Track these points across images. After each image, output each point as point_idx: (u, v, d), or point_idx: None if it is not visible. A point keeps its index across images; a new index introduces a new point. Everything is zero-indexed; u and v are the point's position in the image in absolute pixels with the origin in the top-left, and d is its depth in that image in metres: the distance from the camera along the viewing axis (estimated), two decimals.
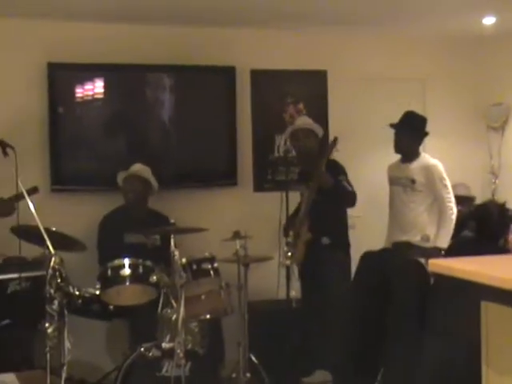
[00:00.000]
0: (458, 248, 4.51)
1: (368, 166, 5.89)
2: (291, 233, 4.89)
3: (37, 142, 5.18)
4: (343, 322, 4.35)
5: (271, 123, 5.79)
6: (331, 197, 4.79)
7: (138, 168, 5.13)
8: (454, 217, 4.93)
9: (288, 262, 4.69)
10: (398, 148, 5.10)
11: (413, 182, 5.04)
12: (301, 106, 5.83)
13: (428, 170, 5.02)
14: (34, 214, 3.98)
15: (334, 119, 5.84)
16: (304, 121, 5.21)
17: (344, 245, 5.03)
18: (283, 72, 5.76)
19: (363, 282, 4.19)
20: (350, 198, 4.88)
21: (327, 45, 5.86)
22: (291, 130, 5.14)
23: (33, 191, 4.46)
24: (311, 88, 5.85)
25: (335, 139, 4.72)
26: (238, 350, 4.58)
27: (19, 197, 4.20)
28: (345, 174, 4.94)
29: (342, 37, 5.87)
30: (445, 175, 5.00)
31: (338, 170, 4.92)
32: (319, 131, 5.08)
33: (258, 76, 5.73)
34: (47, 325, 3.94)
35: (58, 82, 5.21)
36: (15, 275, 4.49)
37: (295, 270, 4.92)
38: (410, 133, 5.05)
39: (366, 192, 5.29)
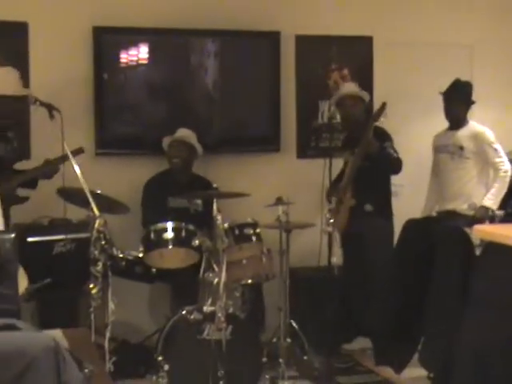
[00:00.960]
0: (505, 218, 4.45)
1: (413, 133, 5.81)
2: (334, 199, 4.88)
3: (82, 106, 5.21)
4: (385, 289, 4.34)
5: (315, 89, 5.72)
6: (377, 163, 4.76)
7: (184, 133, 5.14)
8: (507, 179, 4.89)
9: (330, 229, 4.68)
10: (448, 115, 5.05)
11: (461, 148, 4.99)
12: (345, 72, 5.76)
13: (477, 137, 4.97)
14: (80, 176, 4.03)
15: (379, 86, 5.76)
16: (350, 87, 5.17)
17: (387, 212, 5.00)
18: (328, 37, 5.69)
19: (406, 250, 4.16)
20: (396, 165, 4.85)
21: (373, 10, 5.77)
22: (337, 96, 5.11)
23: (78, 152, 4.50)
24: (356, 54, 5.78)
25: (384, 104, 4.68)
26: (279, 316, 4.61)
27: (65, 158, 4.24)
28: (390, 140, 4.90)
29: (388, 1, 5.77)
30: (494, 140, 4.95)
31: (383, 136, 4.88)
32: (366, 97, 5.04)
33: (302, 41, 5.66)
34: (91, 286, 4.00)
35: (103, 46, 5.23)
36: (61, 237, 4.56)
37: (337, 237, 4.91)
38: (460, 100, 5.01)
39: (410, 160, 5.22)
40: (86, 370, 2.12)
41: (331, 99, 5.26)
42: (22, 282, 3.68)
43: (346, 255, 5.04)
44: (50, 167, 4.56)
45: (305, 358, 4.71)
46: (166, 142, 5.13)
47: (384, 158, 4.78)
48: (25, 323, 2.00)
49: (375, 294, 4.55)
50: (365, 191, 4.84)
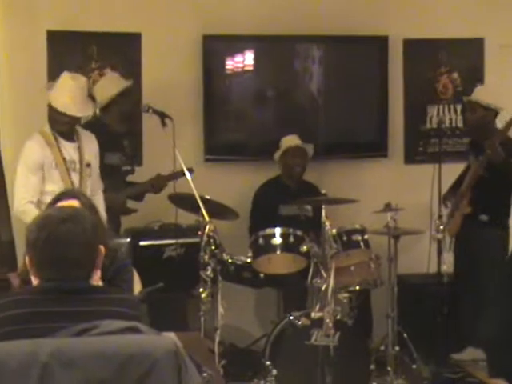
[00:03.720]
0: None
1: None
2: (449, 203, 4.79)
3: (192, 112, 5.30)
4: (500, 300, 4.22)
5: (424, 94, 5.62)
6: (498, 175, 4.59)
7: (296, 140, 5.11)
8: None
9: (440, 236, 4.60)
10: None
11: None
12: (455, 75, 5.64)
13: None
14: (191, 182, 4.13)
15: (491, 91, 5.59)
16: (479, 93, 4.99)
17: (503, 225, 4.82)
18: (437, 41, 5.58)
19: None
20: None
21: (484, 11, 5.59)
22: (467, 100, 4.95)
23: (188, 171, 4.59)
24: (466, 57, 5.64)
25: None
26: (387, 323, 4.55)
27: (176, 175, 4.36)
28: None
29: (500, 1, 5.60)
30: None
31: None
32: (487, 105, 4.86)
33: (410, 45, 5.57)
34: (201, 290, 4.09)
35: (211, 54, 5.31)
36: (171, 241, 4.65)
37: (447, 243, 4.82)
38: None
39: None
40: (205, 374, 2.16)
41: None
42: (137, 286, 3.78)
43: (458, 264, 4.92)
44: (159, 182, 4.68)
45: (413, 366, 4.63)
46: (280, 151, 5.08)
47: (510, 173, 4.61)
48: (146, 326, 2.05)
49: (489, 304, 4.43)
50: (482, 201, 4.68)
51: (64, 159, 4.06)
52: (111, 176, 4.50)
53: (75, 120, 4.14)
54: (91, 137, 4.25)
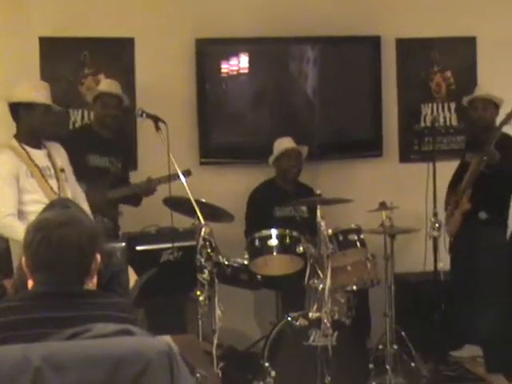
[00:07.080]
0: None
1: None
2: (450, 201, 4.79)
3: (186, 116, 5.31)
4: (497, 296, 4.21)
5: (417, 93, 5.65)
6: (496, 173, 4.56)
7: (291, 142, 5.09)
8: None
9: (435, 234, 4.60)
10: None
11: None
12: (448, 74, 5.66)
13: None
14: (186, 186, 4.13)
15: (484, 88, 5.59)
16: (483, 89, 4.98)
17: (502, 223, 4.81)
18: (430, 40, 5.60)
19: None
20: None
21: (476, 9, 5.61)
22: (469, 98, 4.93)
23: (186, 174, 4.59)
24: (459, 56, 5.65)
25: None
26: (385, 322, 4.56)
27: (171, 178, 4.35)
28: None
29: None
30: None
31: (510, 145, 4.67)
32: (499, 102, 4.83)
33: (403, 45, 5.59)
34: (198, 293, 4.08)
35: (205, 58, 5.32)
36: (168, 245, 4.64)
37: (446, 241, 4.82)
38: None
39: None
40: (198, 375, 2.17)
41: (463, 100, 5.09)
42: (132, 278, 3.78)
43: (455, 261, 4.92)
44: (147, 187, 4.70)
45: (412, 364, 4.64)
46: (275, 154, 5.08)
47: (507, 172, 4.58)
48: (139, 329, 2.05)
49: (486, 301, 4.43)
50: (482, 198, 4.67)
51: (37, 166, 4.04)
52: (96, 178, 4.53)
53: (49, 114, 4.15)
54: (57, 146, 4.25)
